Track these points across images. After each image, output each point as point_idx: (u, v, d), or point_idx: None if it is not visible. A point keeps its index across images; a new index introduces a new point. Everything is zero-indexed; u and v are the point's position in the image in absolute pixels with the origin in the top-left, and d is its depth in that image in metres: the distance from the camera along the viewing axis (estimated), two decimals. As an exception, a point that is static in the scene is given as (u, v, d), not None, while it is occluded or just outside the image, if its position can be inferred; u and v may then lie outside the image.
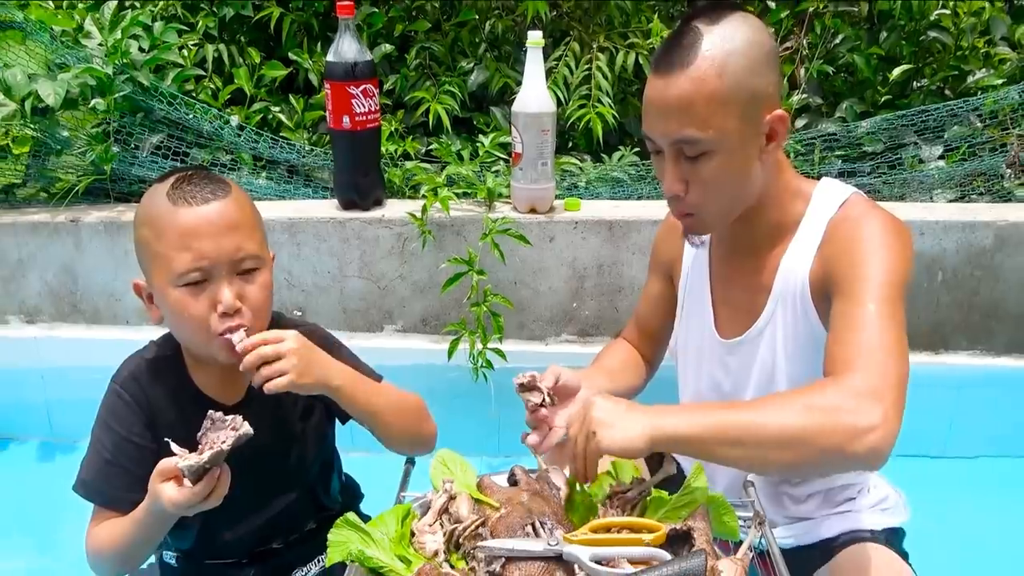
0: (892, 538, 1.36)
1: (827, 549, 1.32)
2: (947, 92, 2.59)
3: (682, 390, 1.49)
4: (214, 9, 2.70)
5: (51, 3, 2.57)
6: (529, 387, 1.28)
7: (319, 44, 2.70)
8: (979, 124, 2.38)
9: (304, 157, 2.47)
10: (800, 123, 2.53)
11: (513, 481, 1.12)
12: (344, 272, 2.27)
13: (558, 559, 0.94)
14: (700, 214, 1.20)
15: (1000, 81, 2.47)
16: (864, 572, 1.25)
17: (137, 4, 2.60)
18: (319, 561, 1.33)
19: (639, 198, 2.35)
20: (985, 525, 2.04)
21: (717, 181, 1.14)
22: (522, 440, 1.29)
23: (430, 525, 1.05)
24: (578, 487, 1.10)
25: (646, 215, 2.15)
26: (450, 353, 2.11)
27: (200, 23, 2.65)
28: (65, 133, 2.36)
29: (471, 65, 2.65)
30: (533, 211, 2.21)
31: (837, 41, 2.61)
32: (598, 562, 0.93)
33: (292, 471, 1.30)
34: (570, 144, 2.66)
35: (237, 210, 1.13)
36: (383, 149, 2.35)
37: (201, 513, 1.16)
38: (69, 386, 2.34)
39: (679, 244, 1.42)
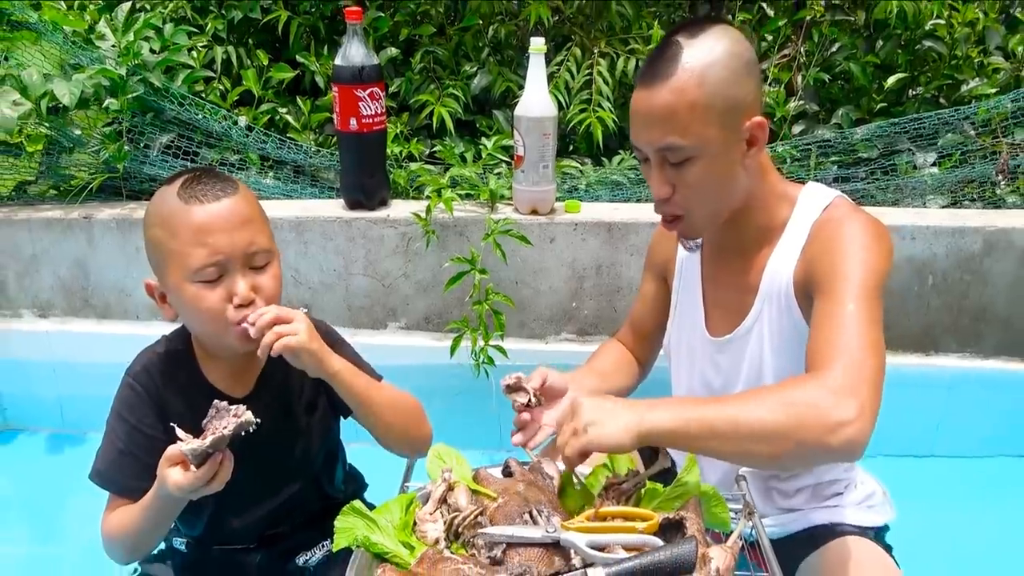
0: (877, 533, 1.39)
1: (814, 541, 1.36)
2: (941, 100, 2.61)
3: (675, 388, 1.52)
4: (223, 12, 2.73)
5: (63, 4, 2.61)
6: (515, 388, 1.32)
7: (325, 47, 2.72)
8: (972, 132, 2.40)
9: (311, 158, 2.50)
10: (797, 129, 2.56)
11: (508, 472, 1.16)
12: (349, 270, 2.30)
13: (556, 545, 0.98)
14: (687, 217, 1.24)
15: (993, 90, 2.49)
16: (849, 565, 1.28)
17: (148, 6, 2.64)
18: (323, 546, 1.37)
19: (638, 201, 2.38)
20: (972, 522, 2.06)
21: (701, 185, 1.19)
22: (511, 439, 1.33)
23: (430, 514, 1.08)
24: (574, 480, 1.13)
25: (644, 217, 2.18)
26: (452, 350, 2.13)
27: (209, 25, 2.69)
28: (78, 132, 2.39)
29: (474, 69, 2.68)
30: (534, 212, 2.23)
31: (834, 49, 2.64)
32: (594, 548, 0.96)
33: (298, 462, 1.34)
34: (571, 147, 2.68)
35: (247, 206, 1.17)
36: (388, 151, 2.38)
37: (211, 501, 1.19)
38: (79, 379, 2.37)
39: (673, 247, 1.46)
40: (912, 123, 2.40)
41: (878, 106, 2.58)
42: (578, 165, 2.51)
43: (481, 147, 2.47)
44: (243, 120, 2.49)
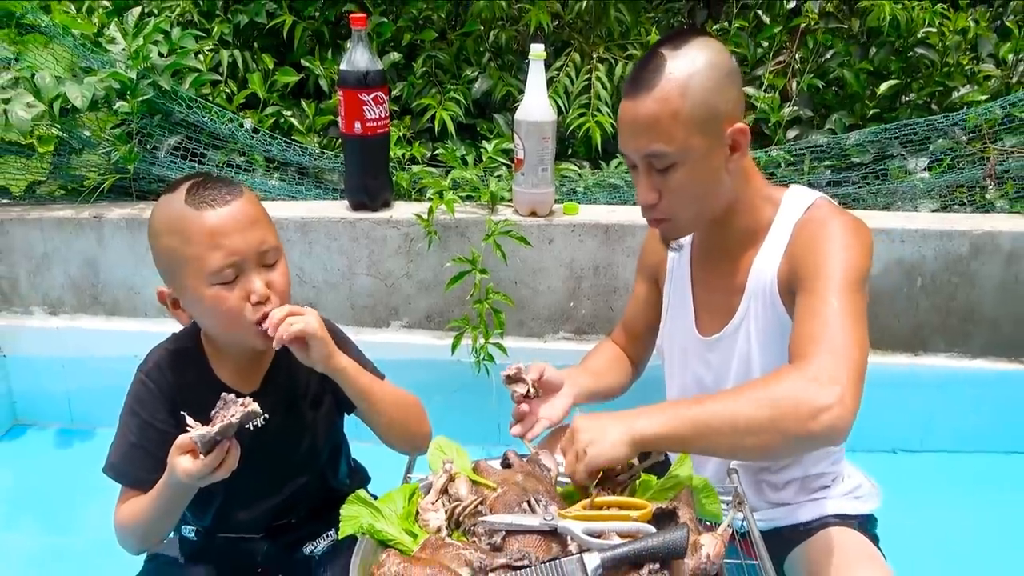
0: (864, 523, 1.42)
1: (803, 532, 1.39)
2: (933, 106, 2.65)
3: (668, 386, 1.55)
4: (229, 16, 2.76)
5: (72, 8, 2.65)
6: (515, 378, 1.35)
7: (329, 51, 2.74)
8: (963, 138, 2.43)
9: (315, 160, 2.52)
10: (791, 134, 2.59)
11: (506, 464, 1.19)
12: (353, 270, 2.32)
13: (553, 532, 1.01)
14: (672, 220, 1.29)
15: (984, 97, 2.53)
16: (837, 554, 1.31)
17: (156, 11, 2.66)
18: (327, 536, 1.40)
19: (634, 203, 2.36)
20: (960, 517, 2.09)
21: (685, 190, 1.23)
22: (509, 430, 1.36)
23: (432, 503, 1.11)
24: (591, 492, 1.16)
25: (640, 220, 2.08)
26: (453, 348, 2.15)
27: (215, 29, 2.71)
28: (87, 133, 2.43)
29: (475, 73, 2.70)
30: (533, 214, 2.25)
31: (828, 56, 2.67)
32: (590, 535, 0.99)
33: (304, 455, 1.36)
34: (570, 151, 2.70)
35: (254, 207, 1.19)
36: (391, 153, 2.40)
37: (220, 493, 1.25)
38: (89, 375, 2.39)
39: (664, 249, 1.49)
40: (903, 129, 2.43)
41: (871, 112, 2.62)
42: (576, 168, 2.53)
43: (482, 150, 2.49)
44: (249, 122, 2.52)
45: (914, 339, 2.29)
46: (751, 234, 1.33)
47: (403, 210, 2.31)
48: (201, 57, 2.60)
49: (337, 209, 2.34)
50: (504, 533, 1.01)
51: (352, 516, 1.09)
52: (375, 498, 1.13)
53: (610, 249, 2.25)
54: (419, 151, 2.56)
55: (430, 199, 2.27)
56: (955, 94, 2.61)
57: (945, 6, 2.67)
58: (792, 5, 2.71)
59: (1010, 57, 2.64)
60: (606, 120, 2.53)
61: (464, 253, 2.16)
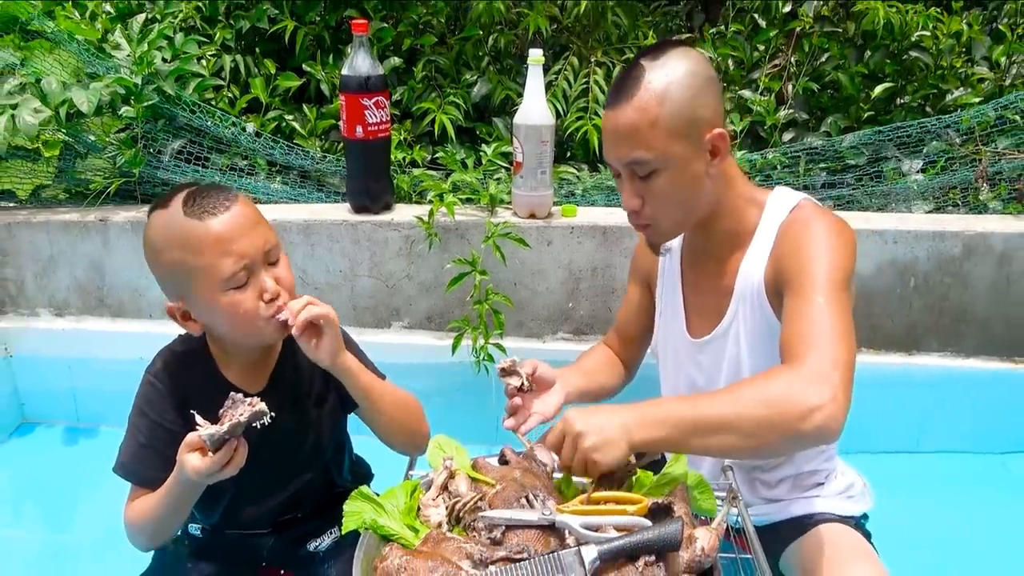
0: (857, 522, 1.45)
1: (796, 528, 1.42)
2: (928, 109, 2.66)
3: (663, 387, 1.58)
4: (231, 22, 2.77)
5: (76, 14, 2.67)
6: (510, 371, 1.38)
7: (331, 56, 2.76)
8: (957, 140, 2.45)
9: (317, 163, 2.54)
10: (787, 136, 2.61)
11: (504, 461, 1.22)
12: (355, 272, 2.34)
13: (551, 527, 1.03)
14: (656, 225, 1.31)
15: (977, 99, 2.55)
16: (832, 550, 1.33)
17: (159, 16, 2.67)
18: (332, 532, 1.43)
19: None
20: (953, 515, 2.11)
21: (668, 196, 1.26)
22: (503, 424, 1.39)
23: (433, 500, 1.13)
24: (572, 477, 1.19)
25: None
26: (454, 348, 2.17)
27: (218, 35, 2.72)
28: (92, 138, 2.45)
29: (475, 77, 2.71)
30: (532, 216, 2.27)
31: (823, 59, 2.69)
32: (587, 529, 1.01)
33: (309, 452, 1.39)
34: (568, 154, 2.72)
35: (251, 209, 1.22)
36: (392, 157, 2.41)
37: (228, 490, 1.27)
38: (94, 375, 2.41)
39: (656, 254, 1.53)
40: (898, 131, 2.45)
41: (866, 114, 2.63)
42: (575, 171, 2.54)
43: (481, 153, 2.51)
44: (251, 127, 2.53)
45: (907, 339, 2.30)
46: (737, 237, 1.35)
47: (404, 213, 2.33)
48: (204, 62, 2.61)
49: (339, 212, 2.35)
50: (504, 527, 1.03)
51: (355, 512, 1.12)
52: (377, 495, 1.15)
53: (608, 251, 2.26)
54: (420, 154, 2.57)
55: (430, 202, 2.29)
56: (949, 96, 2.63)
57: (939, 10, 2.69)
58: (788, 9, 2.73)
59: (1003, 60, 2.67)
60: (604, 123, 2.54)
61: (464, 255, 2.18)
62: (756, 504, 1.48)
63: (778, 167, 2.47)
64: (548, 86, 2.58)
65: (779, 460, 1.45)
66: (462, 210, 2.31)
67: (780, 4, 2.68)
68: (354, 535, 1.10)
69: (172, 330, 1.34)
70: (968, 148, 2.44)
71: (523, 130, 2.15)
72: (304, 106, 2.69)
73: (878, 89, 2.60)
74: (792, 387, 1.06)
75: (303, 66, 2.72)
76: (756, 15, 2.79)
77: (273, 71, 2.71)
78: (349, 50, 2.27)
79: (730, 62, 2.73)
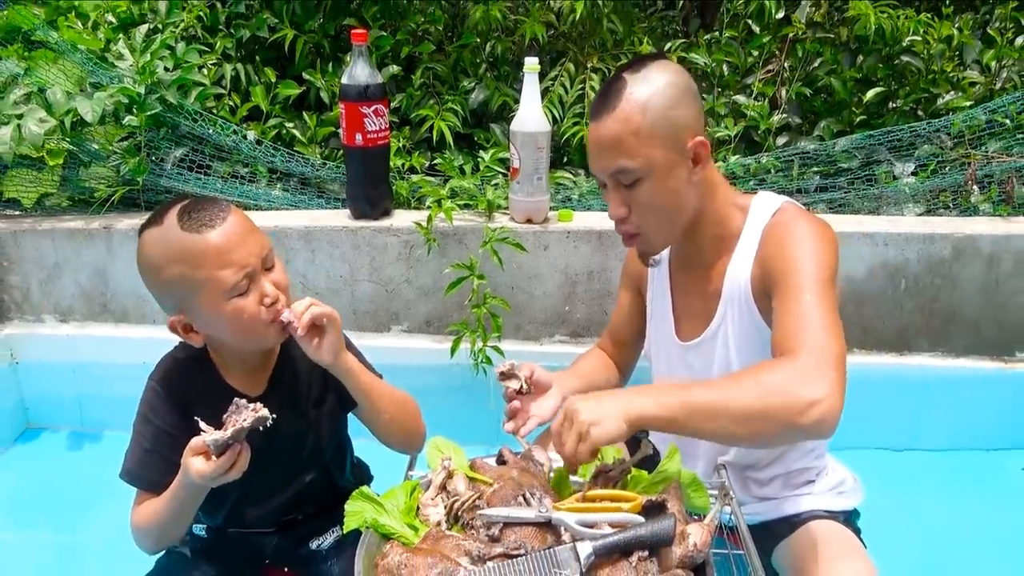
0: (847, 517, 1.47)
1: (789, 525, 1.43)
2: (920, 113, 2.69)
3: None
4: (231, 30, 2.79)
5: (79, 24, 2.70)
6: (508, 374, 1.41)
7: (330, 64, 2.77)
8: (948, 143, 2.47)
9: (317, 170, 2.56)
10: (781, 141, 2.63)
11: (502, 461, 1.24)
12: (355, 276, 2.36)
13: (547, 524, 1.05)
14: (643, 234, 1.34)
15: (968, 103, 2.57)
16: (822, 547, 1.35)
17: (160, 26, 2.69)
18: (334, 531, 1.45)
19: None
20: (943, 512, 2.14)
21: (653, 203, 1.29)
22: (502, 427, 1.42)
23: (432, 499, 1.15)
24: (570, 477, 1.20)
25: None
26: (452, 351, 2.20)
27: (219, 44, 2.74)
28: (95, 146, 2.47)
29: (472, 84, 2.73)
30: (529, 221, 2.29)
31: (816, 64, 2.71)
32: (583, 526, 1.03)
33: (309, 453, 1.41)
34: (564, 159, 2.73)
35: (244, 218, 1.24)
36: (391, 163, 2.43)
37: (232, 492, 1.28)
38: (98, 380, 2.43)
39: None
40: (889, 135, 2.47)
41: (858, 118, 2.66)
42: (571, 176, 2.57)
43: (479, 159, 2.53)
44: (252, 134, 2.55)
45: (899, 340, 2.33)
46: (723, 241, 1.37)
47: (403, 218, 2.35)
48: (205, 71, 2.63)
49: (339, 218, 2.37)
50: (501, 525, 1.05)
51: (356, 511, 1.13)
52: (378, 495, 1.17)
53: (604, 255, 2.28)
54: (418, 161, 2.59)
55: (429, 207, 2.31)
56: (940, 100, 2.65)
57: (930, 15, 2.71)
58: (781, 15, 2.76)
59: (993, 64, 2.69)
60: (600, 129, 2.56)
61: (462, 259, 2.21)
62: (748, 503, 1.49)
63: (772, 171, 2.49)
64: (544, 92, 2.60)
65: (771, 458, 1.47)
66: (460, 215, 2.32)
67: (773, 10, 2.70)
68: (355, 534, 1.12)
69: (174, 336, 1.34)
70: (959, 151, 2.47)
71: (519, 137, 2.17)
72: (304, 114, 2.71)
73: (870, 93, 2.62)
74: (791, 380, 1.07)
75: (303, 74, 2.74)
76: (750, 21, 2.81)
77: (273, 79, 2.73)
78: (348, 58, 2.28)
79: (724, 67, 2.75)
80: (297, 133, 2.66)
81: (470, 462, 1.23)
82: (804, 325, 1.13)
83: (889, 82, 2.71)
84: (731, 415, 1.06)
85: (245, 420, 1.11)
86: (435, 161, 2.60)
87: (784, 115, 2.64)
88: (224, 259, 1.18)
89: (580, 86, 2.67)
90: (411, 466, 1.33)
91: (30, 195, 2.45)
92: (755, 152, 2.60)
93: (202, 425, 1.12)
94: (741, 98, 2.67)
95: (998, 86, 2.66)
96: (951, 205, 2.44)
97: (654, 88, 1.25)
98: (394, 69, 2.74)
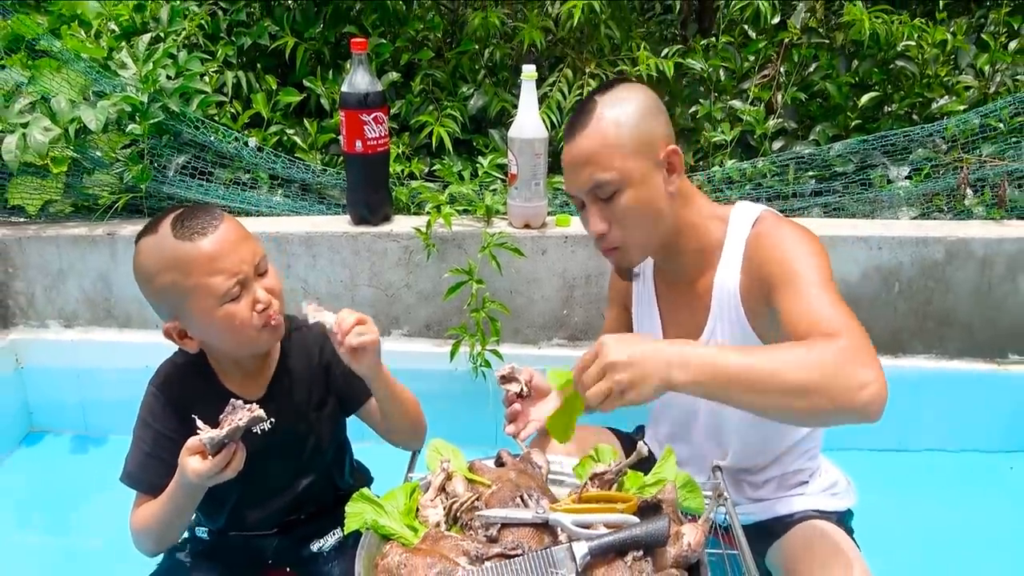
0: (840, 517, 1.48)
1: (783, 526, 1.45)
2: (914, 117, 2.70)
3: (654, 403, 1.61)
4: (232, 38, 2.81)
5: (82, 32, 2.72)
6: (509, 378, 1.43)
7: (330, 71, 2.79)
8: (943, 147, 2.49)
9: (318, 176, 2.58)
10: (776, 145, 2.65)
11: (500, 463, 1.26)
12: (355, 281, 2.37)
13: (545, 524, 1.07)
14: (623, 246, 1.35)
15: (962, 107, 2.58)
16: (815, 547, 1.36)
17: (162, 35, 2.71)
18: (334, 533, 1.47)
19: None
20: (936, 512, 2.15)
21: (632, 213, 1.31)
22: (503, 429, 1.44)
23: (431, 500, 1.17)
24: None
25: None
26: (452, 355, 2.21)
27: (220, 52, 2.75)
28: (99, 154, 2.49)
29: (471, 90, 2.74)
30: (527, 226, 2.30)
31: (811, 69, 2.74)
32: (579, 526, 1.05)
33: (310, 455, 1.43)
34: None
35: (237, 226, 1.26)
36: (391, 169, 2.45)
37: (233, 494, 1.32)
38: (102, 385, 2.45)
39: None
40: (883, 139, 2.49)
41: (854, 123, 2.67)
42: (569, 181, 2.60)
43: (478, 165, 2.54)
44: (253, 141, 2.56)
45: (893, 342, 2.34)
46: (705, 253, 1.38)
47: (403, 224, 2.36)
48: (207, 79, 2.64)
49: (339, 224, 2.39)
50: (499, 525, 1.07)
51: (356, 513, 1.15)
52: (378, 497, 1.18)
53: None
54: (417, 167, 2.60)
55: (428, 213, 2.32)
56: (934, 105, 2.67)
57: (924, 20, 2.73)
58: (777, 21, 2.78)
59: (987, 68, 2.71)
60: (597, 134, 2.57)
61: (461, 264, 2.22)
62: (742, 504, 1.51)
63: (768, 175, 2.51)
64: (543, 97, 2.62)
65: (768, 461, 1.49)
66: (459, 221, 2.34)
67: (769, 16, 2.72)
68: (356, 535, 1.13)
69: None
70: (953, 155, 2.48)
71: (517, 143, 2.19)
72: (305, 120, 2.72)
73: (865, 98, 2.65)
74: (843, 357, 1.02)
75: (303, 81, 2.75)
76: (746, 26, 2.83)
77: (274, 87, 2.74)
78: (348, 66, 2.30)
79: (721, 72, 2.78)
80: (298, 140, 2.68)
81: (469, 464, 1.24)
82: (828, 312, 1.11)
83: (884, 87, 2.73)
84: (784, 388, 1.01)
85: (241, 419, 1.13)
86: (434, 167, 2.61)
87: (780, 120, 2.67)
88: (215, 266, 1.20)
89: (578, 91, 2.69)
90: (411, 468, 1.35)
91: (35, 202, 2.46)
92: (751, 156, 2.61)
93: (199, 424, 1.14)
94: (737, 103, 2.70)
95: (992, 90, 2.68)
96: (945, 209, 2.46)
97: (624, 105, 1.29)
98: (394, 75, 2.75)
